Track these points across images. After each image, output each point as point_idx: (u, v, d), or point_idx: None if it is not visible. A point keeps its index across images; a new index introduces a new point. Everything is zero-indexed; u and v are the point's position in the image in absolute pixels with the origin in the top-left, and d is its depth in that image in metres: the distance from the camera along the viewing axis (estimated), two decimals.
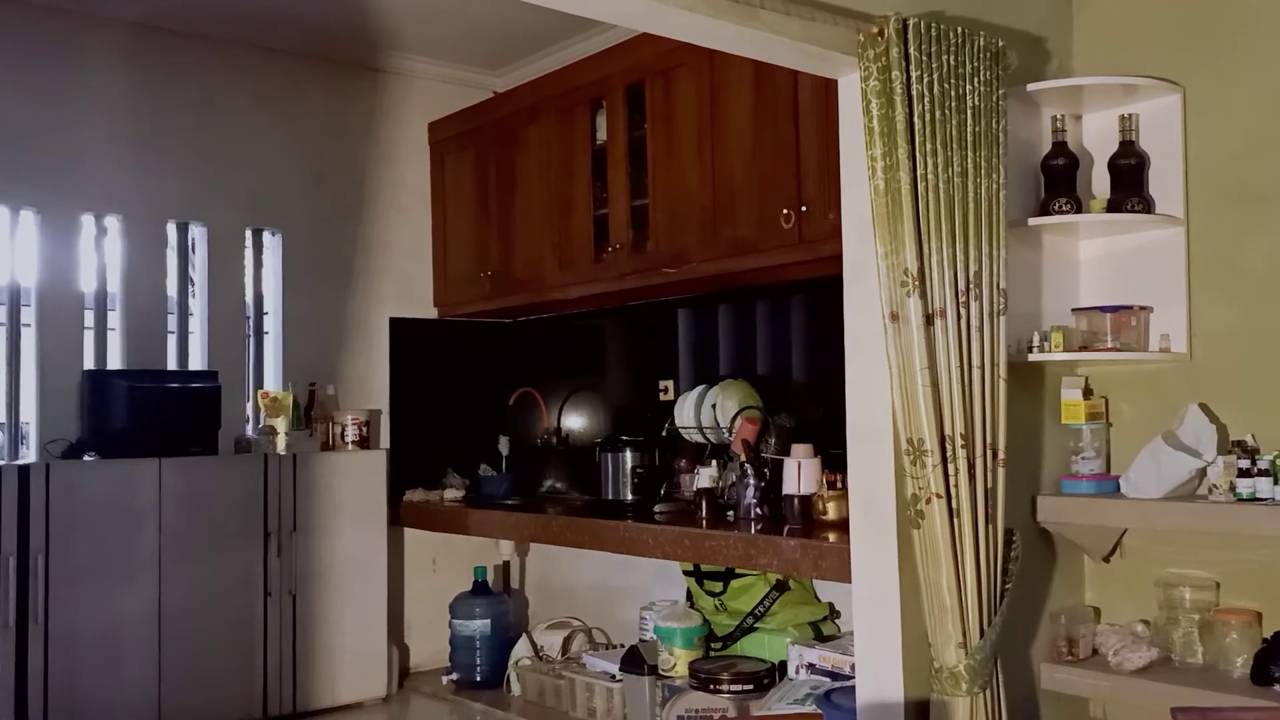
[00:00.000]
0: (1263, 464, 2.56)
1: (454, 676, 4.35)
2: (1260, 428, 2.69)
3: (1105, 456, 2.94)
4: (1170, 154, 2.85)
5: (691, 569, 3.72)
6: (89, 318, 4.04)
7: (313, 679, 4.02)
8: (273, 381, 4.39)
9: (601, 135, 3.98)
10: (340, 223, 4.56)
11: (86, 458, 3.72)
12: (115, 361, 4.07)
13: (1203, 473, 2.69)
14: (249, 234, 4.39)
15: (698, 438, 3.75)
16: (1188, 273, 2.82)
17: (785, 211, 3.24)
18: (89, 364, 4.00)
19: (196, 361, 4.25)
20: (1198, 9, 2.84)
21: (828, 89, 2.80)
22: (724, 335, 4.02)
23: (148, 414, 3.82)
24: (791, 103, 3.24)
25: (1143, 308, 2.85)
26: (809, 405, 3.57)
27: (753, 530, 3.12)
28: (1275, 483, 2.54)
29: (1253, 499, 2.55)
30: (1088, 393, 2.91)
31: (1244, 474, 2.58)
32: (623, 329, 4.46)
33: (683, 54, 3.44)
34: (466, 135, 4.60)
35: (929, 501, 2.39)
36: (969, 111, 2.48)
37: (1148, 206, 2.83)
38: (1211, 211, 2.80)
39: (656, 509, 3.63)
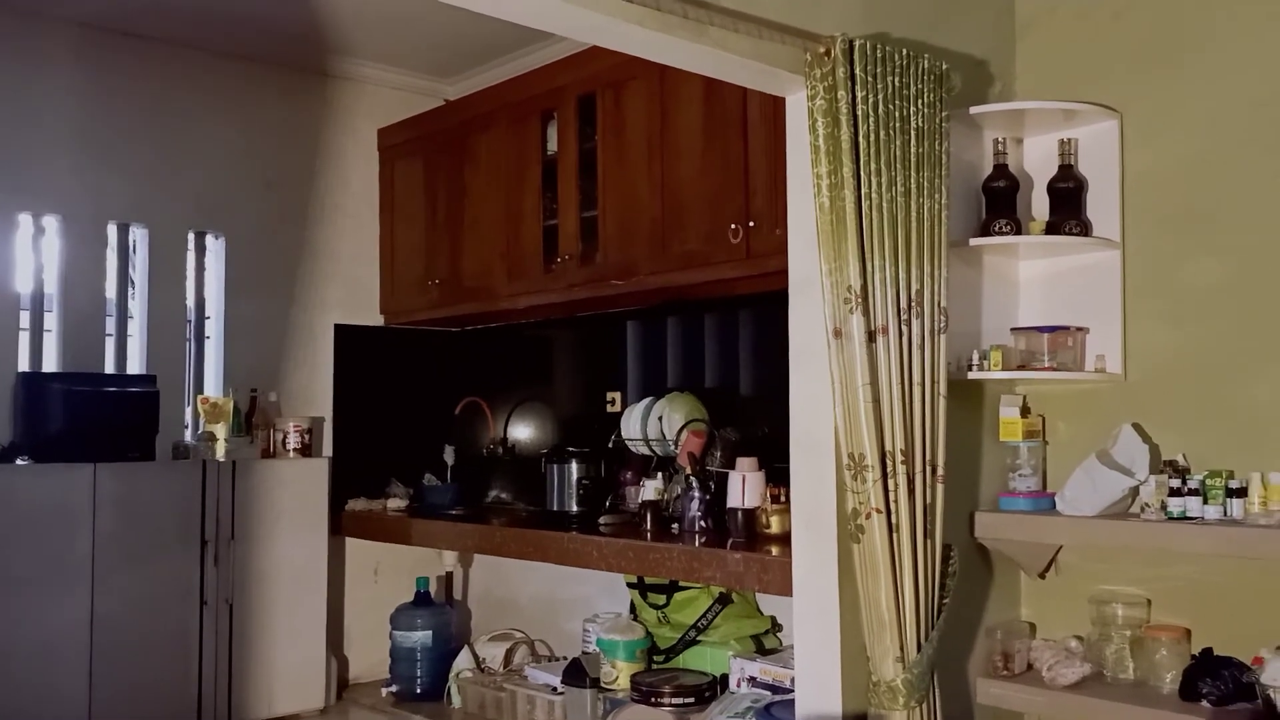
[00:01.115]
0: (1193, 483, 2.62)
1: (394, 688, 4.30)
2: (1191, 448, 2.75)
3: (1042, 474, 2.98)
4: (1108, 178, 2.91)
5: (635, 581, 3.71)
6: (24, 318, 3.95)
7: (249, 689, 3.96)
8: (213, 387, 4.32)
9: (553, 146, 3.98)
10: (287, 227, 4.51)
11: (19, 462, 3.64)
12: (51, 364, 3.98)
13: (1135, 491, 2.74)
14: (192, 237, 4.33)
15: (644, 450, 3.75)
16: (1123, 295, 2.88)
17: (733, 226, 3.26)
18: (23, 366, 3.91)
19: (135, 365, 4.18)
20: (1137, 37, 2.91)
21: (776, 106, 2.83)
22: (672, 348, 4.03)
23: (84, 418, 3.74)
24: (741, 119, 3.27)
25: (1079, 328, 2.90)
26: (755, 419, 3.59)
27: (697, 543, 3.13)
28: (1205, 502, 2.60)
29: (1183, 518, 2.61)
30: (1025, 411, 2.96)
31: (1175, 493, 2.63)
32: (571, 340, 4.46)
33: (634, 67, 3.44)
34: (417, 142, 4.58)
35: (869, 516, 2.42)
36: (913, 132, 2.51)
37: (1085, 229, 2.89)
38: (1147, 235, 2.86)
39: (601, 521, 3.63)
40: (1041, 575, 3.00)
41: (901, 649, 2.44)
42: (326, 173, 4.62)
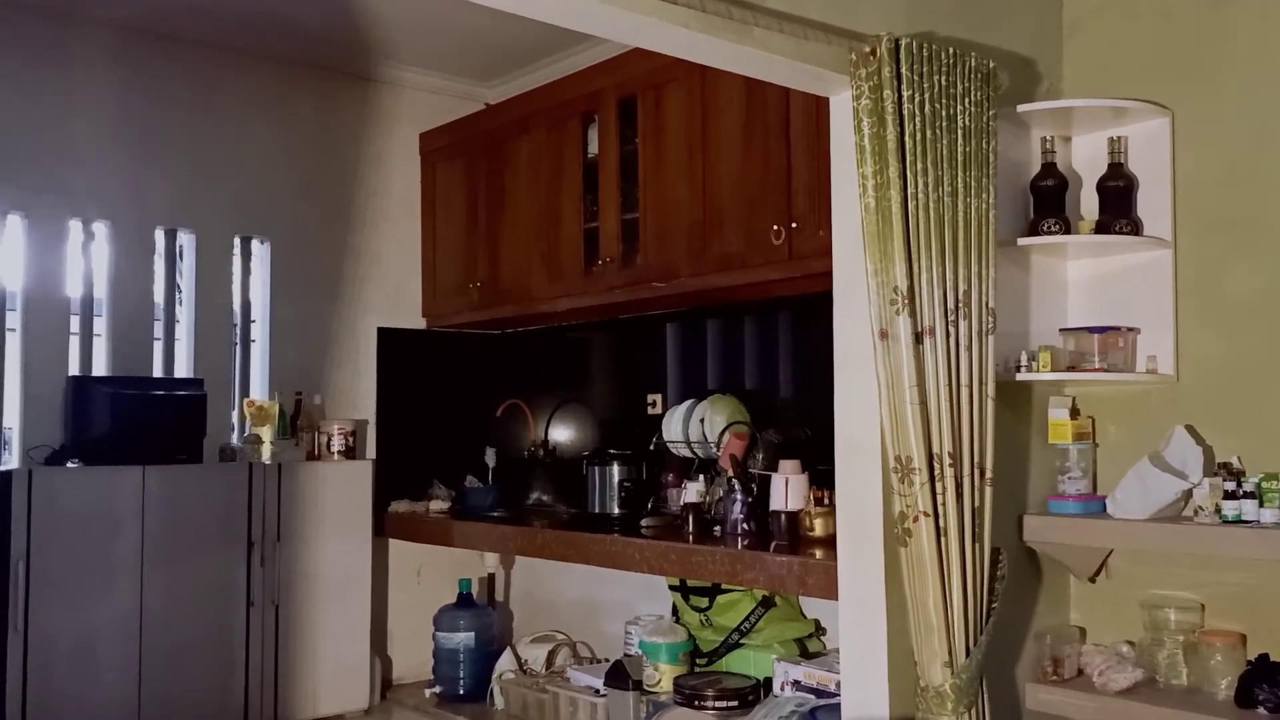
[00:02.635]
0: (1248, 486, 2.57)
1: (437, 689, 4.32)
2: (1246, 450, 2.70)
3: (1092, 476, 2.94)
4: (1159, 177, 2.87)
5: (677, 584, 3.71)
6: (75, 323, 4.02)
7: (294, 690, 4.00)
8: (259, 390, 4.37)
9: (593, 148, 3.99)
10: (329, 231, 4.55)
11: (69, 464, 3.69)
12: (100, 368, 4.04)
13: (1189, 494, 2.69)
14: (237, 241, 4.38)
15: (685, 452, 3.74)
16: (1175, 295, 2.83)
17: (775, 228, 3.25)
18: (74, 370, 3.98)
19: (182, 369, 4.23)
20: (1186, 35, 2.87)
21: (818, 106, 2.81)
22: (712, 350, 4.02)
23: (132, 421, 3.79)
24: (783, 119, 3.25)
25: (1130, 329, 2.86)
26: (797, 421, 3.57)
27: (739, 546, 3.11)
28: (1260, 505, 2.55)
29: (1238, 521, 2.56)
30: (1074, 413, 2.92)
31: (1229, 496, 2.58)
32: (611, 342, 4.46)
33: (675, 69, 3.45)
34: (457, 146, 4.60)
35: (916, 520, 2.40)
36: (959, 131, 2.49)
37: (1136, 228, 2.85)
38: (1199, 235, 2.82)
39: (643, 523, 3.63)
40: (1092, 579, 2.96)
41: (950, 654, 2.41)
42: (368, 176, 4.65)
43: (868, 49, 2.41)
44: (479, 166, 4.48)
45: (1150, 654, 2.79)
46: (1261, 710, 2.50)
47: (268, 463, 4.00)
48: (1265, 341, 2.71)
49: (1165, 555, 2.80)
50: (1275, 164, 2.70)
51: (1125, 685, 2.73)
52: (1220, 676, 2.64)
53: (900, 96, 2.40)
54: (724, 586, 3.52)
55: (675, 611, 3.78)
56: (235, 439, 4.22)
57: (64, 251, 3.98)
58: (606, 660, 3.95)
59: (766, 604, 3.49)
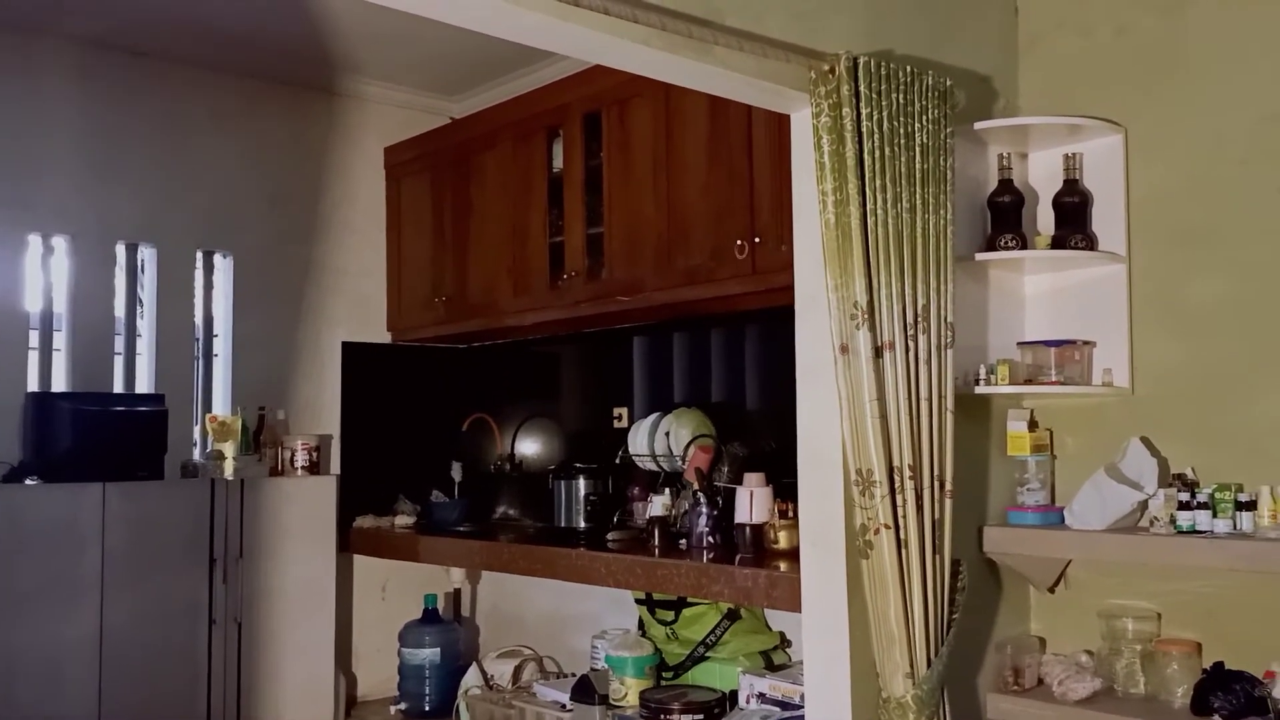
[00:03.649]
0: (1202, 497, 2.61)
1: (402, 706, 4.30)
2: (1200, 461, 2.75)
3: (1050, 488, 2.98)
4: (1113, 193, 2.92)
5: (644, 598, 3.71)
6: (34, 338, 3.97)
7: (257, 708, 3.96)
8: (221, 405, 4.33)
9: (558, 163, 4.00)
10: (294, 246, 4.53)
11: (29, 481, 3.65)
12: (60, 383, 4.00)
13: (1144, 505, 2.73)
14: (200, 255, 4.35)
15: (651, 466, 3.75)
16: (1130, 309, 2.88)
17: (739, 242, 3.27)
18: (33, 385, 3.93)
19: (144, 384, 4.19)
20: (1140, 53, 2.92)
21: (780, 123, 2.84)
22: (678, 363, 4.03)
23: (93, 437, 3.76)
24: (745, 135, 3.28)
25: (1086, 342, 2.90)
26: (762, 434, 3.59)
27: (705, 559, 3.12)
28: (1214, 515, 2.59)
29: (1192, 531, 2.60)
30: (1033, 425, 2.96)
31: (1184, 506, 2.62)
32: (577, 356, 4.47)
33: (639, 84, 3.46)
34: (423, 160, 4.60)
35: (877, 532, 2.42)
36: (917, 148, 2.52)
37: (1091, 243, 2.89)
38: (1153, 250, 2.87)
39: (609, 537, 3.63)
40: (1051, 590, 3.00)
41: (911, 665, 2.43)
42: (333, 190, 4.64)
43: (827, 67, 2.44)
44: (445, 180, 4.48)
45: (1108, 663, 2.83)
46: (1217, 718, 2.53)
47: (230, 479, 3.97)
48: (1219, 353, 2.76)
49: (1122, 565, 2.84)
50: (1230, 177, 2.76)
51: (1084, 695, 2.76)
52: (1177, 685, 2.68)
53: (859, 114, 2.44)
54: (690, 600, 3.53)
55: (641, 625, 3.78)
56: (198, 455, 4.19)
57: (22, 266, 3.94)
58: (573, 675, 3.94)
59: (732, 617, 3.51)
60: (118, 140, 4.13)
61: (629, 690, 3.53)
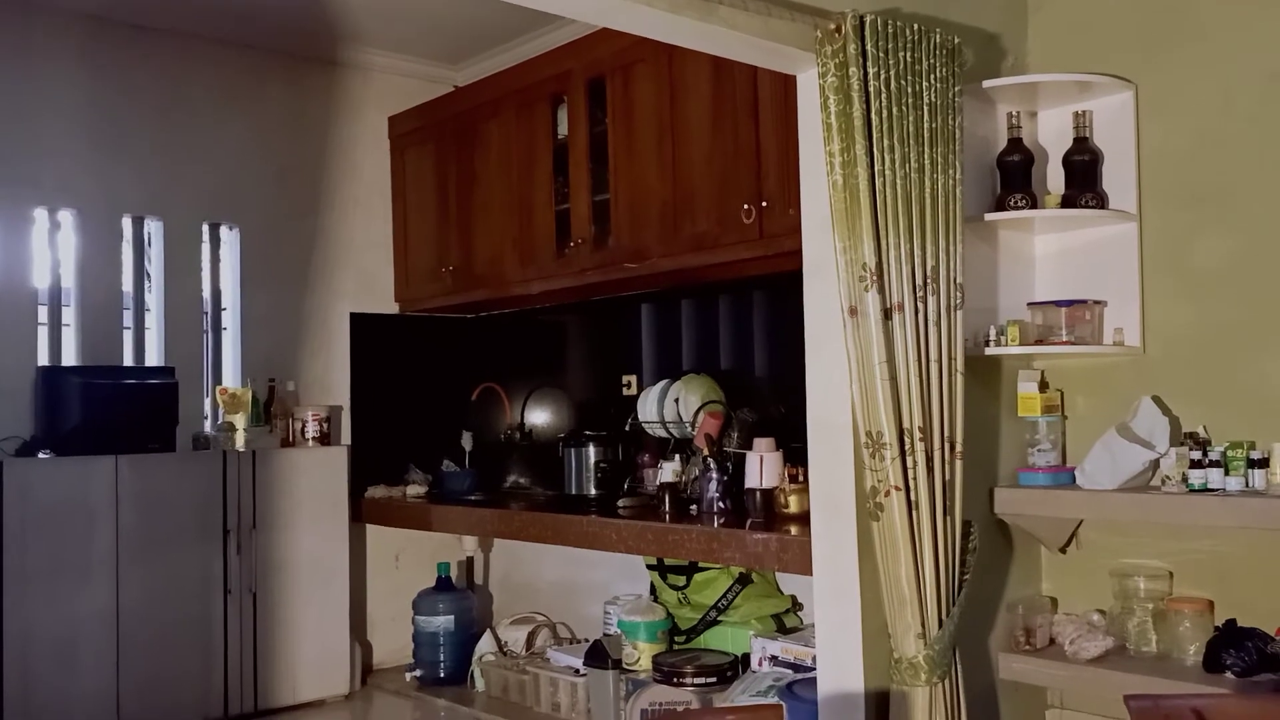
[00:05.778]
0: (1214, 455, 2.60)
1: (417, 673, 4.34)
2: (1211, 420, 2.73)
3: (1061, 449, 2.97)
4: (1123, 151, 2.89)
5: (655, 563, 3.73)
6: (43, 313, 3.98)
7: (274, 677, 4.00)
8: (231, 378, 4.35)
9: (563, 130, 3.97)
10: (300, 218, 4.52)
11: (41, 455, 3.67)
12: (70, 358, 4.01)
13: (1156, 464, 2.72)
14: (206, 228, 4.34)
15: (660, 432, 3.76)
16: (1141, 268, 2.86)
17: (746, 207, 3.25)
18: (43, 360, 3.95)
19: (153, 358, 4.20)
20: (1150, 10, 2.88)
21: (786, 85, 2.81)
22: (686, 330, 4.03)
23: (104, 411, 3.77)
24: (751, 99, 3.25)
25: (1097, 302, 2.89)
26: (771, 399, 3.59)
27: (716, 524, 3.13)
28: (1226, 474, 2.58)
29: (1204, 490, 2.59)
30: (1043, 386, 2.95)
31: (1196, 465, 2.61)
32: (585, 324, 4.46)
33: (642, 49, 3.44)
34: (427, 130, 4.58)
35: (888, 494, 2.42)
36: (925, 108, 2.49)
37: (1101, 202, 2.87)
38: (1164, 208, 2.84)
39: (620, 504, 3.64)
40: (1062, 550, 3.00)
41: (923, 625, 2.44)
42: (338, 162, 4.63)
43: (833, 26, 2.41)
44: (449, 150, 4.46)
45: (1120, 622, 2.83)
46: (1229, 675, 2.54)
47: (242, 450, 3.98)
48: (1231, 312, 2.74)
49: (1134, 525, 2.84)
50: (1241, 134, 2.73)
51: (1096, 653, 2.77)
52: (1189, 643, 2.68)
53: (866, 74, 2.41)
54: (701, 565, 3.54)
55: (653, 590, 3.80)
56: (208, 427, 4.20)
57: (29, 241, 3.94)
58: (586, 640, 3.97)
59: (743, 581, 3.52)
60: (121, 114, 4.12)
61: (642, 655, 3.56)
